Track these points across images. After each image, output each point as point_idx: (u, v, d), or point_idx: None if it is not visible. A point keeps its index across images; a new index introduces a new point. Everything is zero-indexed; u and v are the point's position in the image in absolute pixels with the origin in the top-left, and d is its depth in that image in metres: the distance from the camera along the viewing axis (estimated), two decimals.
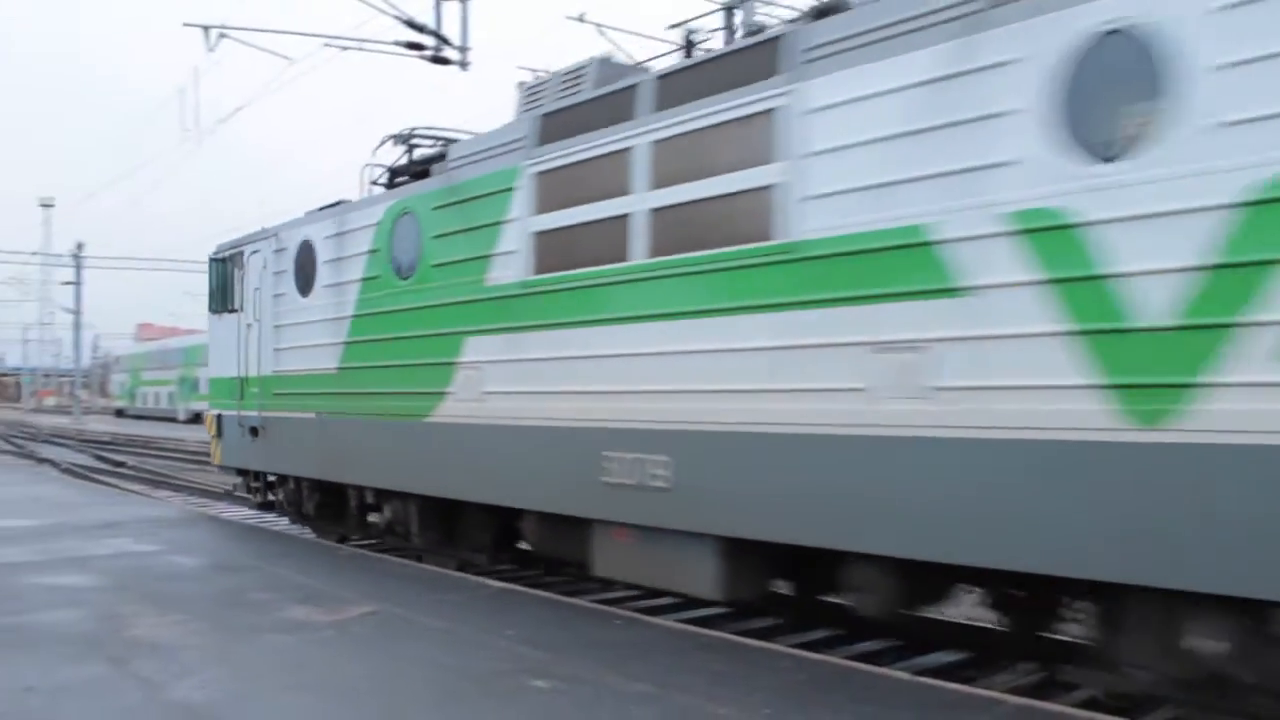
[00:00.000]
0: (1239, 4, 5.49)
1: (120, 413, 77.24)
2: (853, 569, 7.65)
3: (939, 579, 7.41)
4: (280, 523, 15.78)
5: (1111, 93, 5.95)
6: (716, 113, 8.13)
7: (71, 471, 27.68)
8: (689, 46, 9.79)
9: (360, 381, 12.25)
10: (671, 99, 8.57)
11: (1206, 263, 5.55)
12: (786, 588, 9.50)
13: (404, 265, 11.55)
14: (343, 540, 14.04)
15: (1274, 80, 5.35)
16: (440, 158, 11.90)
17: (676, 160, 8.45)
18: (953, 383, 6.60)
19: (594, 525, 9.41)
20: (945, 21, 6.76)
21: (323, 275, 13.06)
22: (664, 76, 8.74)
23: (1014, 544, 6.28)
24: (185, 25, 15.82)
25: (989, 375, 6.42)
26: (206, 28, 15.40)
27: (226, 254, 15.39)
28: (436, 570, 11.18)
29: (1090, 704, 6.88)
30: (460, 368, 10.65)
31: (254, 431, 14.69)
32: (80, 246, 61.28)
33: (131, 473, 27.61)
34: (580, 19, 12.44)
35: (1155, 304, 5.73)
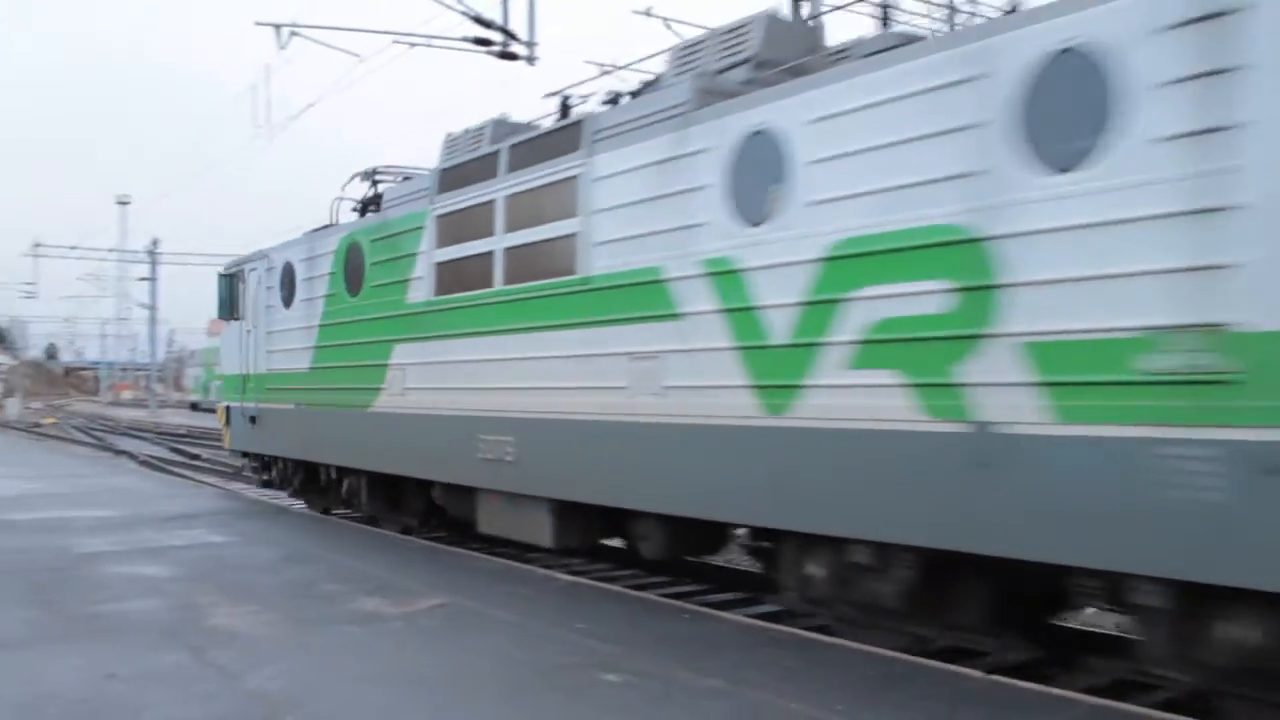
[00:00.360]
0: (818, 120, 7.88)
1: (195, 406, 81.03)
2: (638, 522, 10.12)
3: (703, 531, 9.84)
4: (348, 515, 16.21)
5: (757, 175, 8.36)
6: (543, 176, 10.63)
7: (149, 464, 28.32)
8: (565, 110, 12.26)
9: (324, 379, 14.91)
10: (519, 163, 11.07)
11: (804, 299, 7.96)
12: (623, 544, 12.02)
13: (353, 285, 14.19)
14: (326, 511, 16.75)
15: (836, 174, 7.74)
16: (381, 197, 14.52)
17: (521, 211, 10.96)
18: (676, 383, 9.05)
19: (477, 492, 11.97)
20: (672, 117, 9.19)
21: (299, 291, 15.75)
22: (514, 145, 11.24)
23: (717, 502, 8.72)
24: (257, 24, 16.35)
25: (697, 378, 8.86)
26: (278, 26, 16.01)
27: (232, 271, 18.17)
28: (504, 562, 11.62)
29: (1168, 705, 6.97)
30: (390, 369, 13.26)
31: (253, 420, 17.47)
32: (155, 243, 62.95)
33: (206, 465, 28.10)
34: (648, 13, 12.57)
35: (778, 328, 8.14)
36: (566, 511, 10.73)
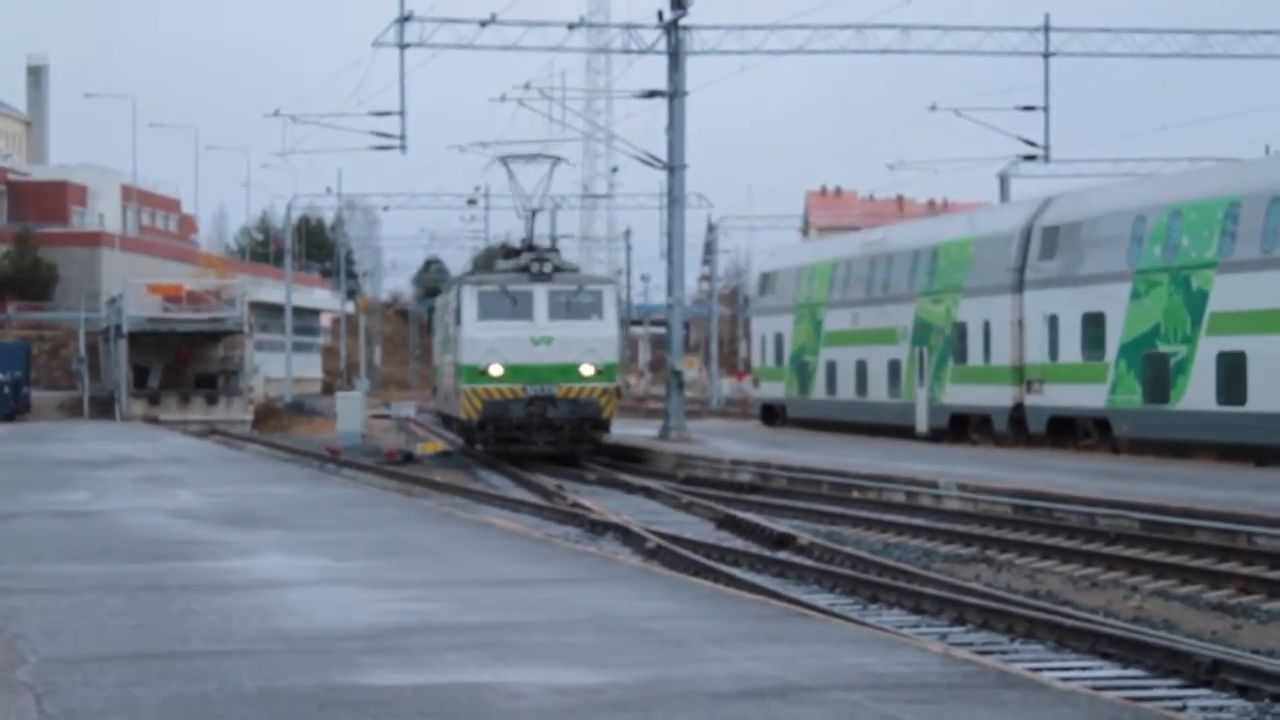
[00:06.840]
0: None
1: (768, 414, 36.52)
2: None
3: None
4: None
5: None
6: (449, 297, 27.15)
7: (664, 548, 13.97)
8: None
9: (441, 370, 32.09)
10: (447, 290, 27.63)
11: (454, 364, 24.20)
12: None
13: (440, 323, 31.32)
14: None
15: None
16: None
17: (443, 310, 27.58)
18: (448, 375, 25.45)
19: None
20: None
21: (438, 324, 33.19)
22: (451, 280, 27.98)
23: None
24: None
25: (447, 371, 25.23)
26: None
27: (428, 306, 36.08)
28: None
29: None
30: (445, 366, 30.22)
31: (434, 390, 35.36)
32: None
33: (814, 562, 13.58)
34: None
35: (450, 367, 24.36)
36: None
